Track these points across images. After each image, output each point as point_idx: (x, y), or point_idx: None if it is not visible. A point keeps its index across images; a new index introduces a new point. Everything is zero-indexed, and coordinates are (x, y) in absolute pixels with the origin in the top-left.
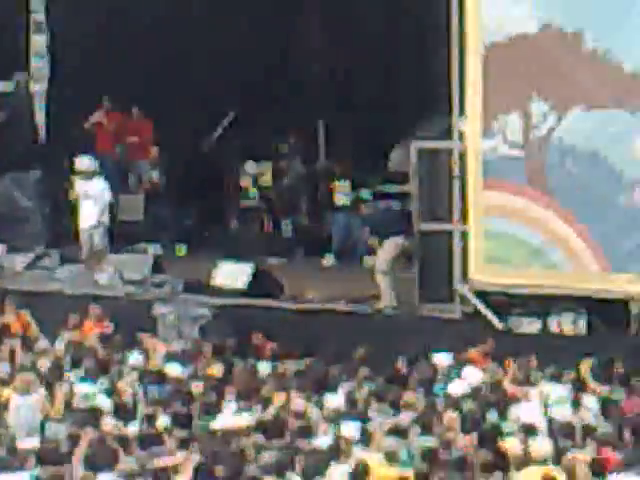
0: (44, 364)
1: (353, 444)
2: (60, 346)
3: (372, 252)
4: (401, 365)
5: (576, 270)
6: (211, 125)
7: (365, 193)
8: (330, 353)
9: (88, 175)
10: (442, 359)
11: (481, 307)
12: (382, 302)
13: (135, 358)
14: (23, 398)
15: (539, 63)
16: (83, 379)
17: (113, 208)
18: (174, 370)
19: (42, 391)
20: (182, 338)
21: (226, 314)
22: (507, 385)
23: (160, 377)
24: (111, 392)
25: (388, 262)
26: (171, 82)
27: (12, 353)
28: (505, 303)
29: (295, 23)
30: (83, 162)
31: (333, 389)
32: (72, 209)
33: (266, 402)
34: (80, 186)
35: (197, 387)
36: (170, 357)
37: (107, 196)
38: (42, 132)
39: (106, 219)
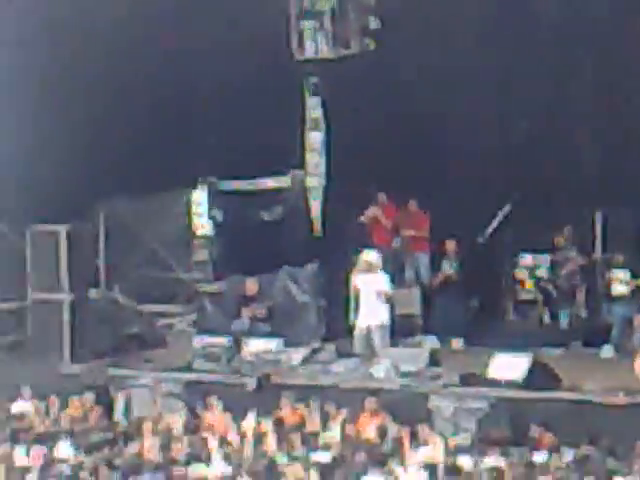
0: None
1: None
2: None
3: None
4: None
5: None
6: (486, 219)
7: None
8: (608, 445)
9: (372, 269)
10: None
11: None
12: None
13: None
14: None
15: None
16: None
17: (391, 301)
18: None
19: None
20: (459, 431)
21: (503, 406)
22: None
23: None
24: None
25: None
26: (446, 175)
27: (290, 446)
28: None
29: (571, 116)
30: (370, 255)
31: None
32: (346, 303)
33: None
34: (361, 279)
35: None
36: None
37: (389, 289)
38: (318, 226)
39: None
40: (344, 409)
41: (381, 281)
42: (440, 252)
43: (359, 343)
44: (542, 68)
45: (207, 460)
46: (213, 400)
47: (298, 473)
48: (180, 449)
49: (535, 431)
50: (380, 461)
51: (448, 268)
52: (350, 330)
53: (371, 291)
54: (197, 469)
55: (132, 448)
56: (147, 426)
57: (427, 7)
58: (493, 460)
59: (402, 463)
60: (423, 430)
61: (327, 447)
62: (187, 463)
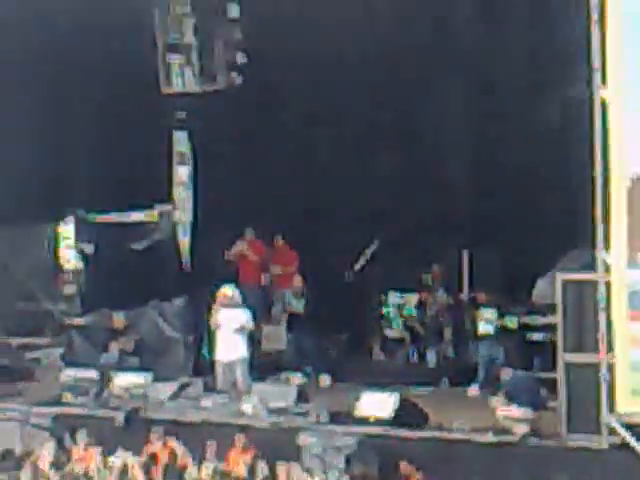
0: None
1: None
2: (207, 475)
3: None
4: None
5: None
6: (354, 256)
7: (510, 321)
8: None
9: (232, 305)
10: None
11: (629, 438)
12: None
13: None
14: None
15: None
16: None
17: (255, 338)
18: None
19: None
20: (327, 468)
21: (371, 444)
22: None
23: None
24: None
25: None
26: (313, 210)
27: None
28: None
29: (438, 155)
30: (228, 290)
31: None
32: (210, 338)
33: None
34: (223, 314)
35: None
36: None
37: (250, 324)
38: (187, 261)
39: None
40: (213, 441)
41: (241, 316)
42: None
43: (221, 378)
44: (412, 102)
45: None
46: (82, 434)
47: None
48: None
49: (404, 469)
50: None
51: (295, 303)
52: (213, 365)
53: (231, 326)
54: None
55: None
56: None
57: (294, 42)
58: None
59: None
60: (292, 468)
61: None
62: None
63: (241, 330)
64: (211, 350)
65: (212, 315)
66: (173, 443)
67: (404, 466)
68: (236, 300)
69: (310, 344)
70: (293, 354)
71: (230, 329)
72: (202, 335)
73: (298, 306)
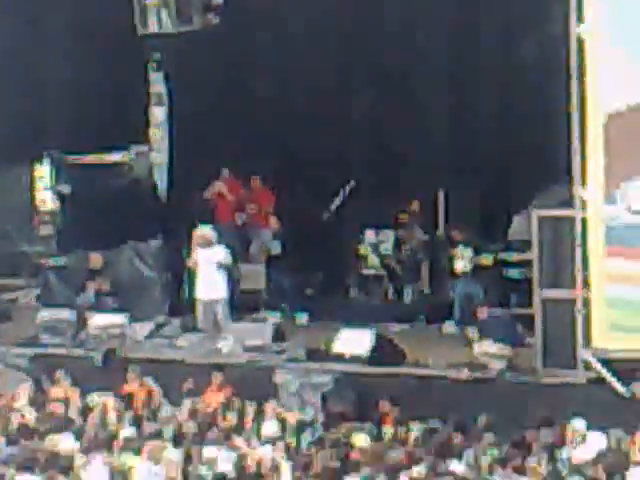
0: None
1: None
2: (183, 414)
3: None
4: (530, 434)
5: None
6: (331, 194)
7: (486, 258)
8: (453, 420)
9: (208, 243)
10: (576, 425)
11: (605, 373)
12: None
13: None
14: (153, 466)
15: None
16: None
17: (234, 277)
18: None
19: (170, 459)
20: (304, 405)
21: (348, 381)
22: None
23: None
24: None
25: None
26: (290, 150)
27: (137, 420)
28: (629, 369)
29: (414, 93)
30: (204, 230)
31: (457, 456)
32: (190, 278)
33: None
34: (200, 254)
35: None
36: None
37: (228, 260)
38: (162, 202)
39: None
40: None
41: (220, 253)
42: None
43: (202, 317)
44: (381, 45)
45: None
46: (60, 374)
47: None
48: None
49: (382, 406)
50: (225, 436)
51: (273, 245)
52: (193, 304)
53: (210, 264)
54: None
55: None
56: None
57: None
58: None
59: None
60: (270, 405)
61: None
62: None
63: (219, 267)
64: (191, 290)
65: (190, 256)
66: (149, 382)
67: (382, 403)
68: (211, 239)
69: (287, 283)
70: (270, 293)
71: (208, 268)
72: (181, 275)
73: (276, 248)
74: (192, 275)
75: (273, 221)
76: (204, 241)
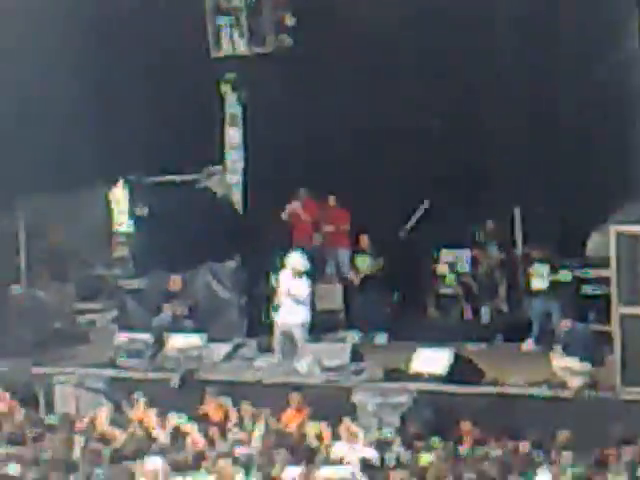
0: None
1: None
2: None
3: None
4: (609, 450)
5: None
6: (407, 214)
7: (564, 276)
8: (533, 437)
9: (299, 274)
10: None
11: None
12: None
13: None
14: None
15: None
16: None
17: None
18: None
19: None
20: (382, 425)
21: (426, 401)
22: None
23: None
24: None
25: None
26: (365, 170)
27: (211, 441)
28: None
29: (490, 112)
30: (298, 260)
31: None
32: (268, 300)
33: None
34: (286, 281)
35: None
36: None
37: (308, 297)
38: (240, 222)
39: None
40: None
41: (300, 287)
42: (356, 248)
43: (279, 340)
44: (459, 63)
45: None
46: (138, 396)
47: (225, 468)
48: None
49: (461, 425)
50: (305, 456)
51: (361, 264)
52: (271, 326)
53: (292, 295)
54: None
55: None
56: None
57: (342, 3)
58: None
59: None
60: (346, 425)
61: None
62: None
63: (299, 299)
64: (269, 312)
65: (279, 279)
66: (227, 403)
67: (463, 424)
68: (302, 271)
69: (365, 302)
70: (350, 312)
71: (289, 296)
72: (260, 297)
73: (365, 266)
74: (270, 297)
75: (364, 239)
76: (296, 273)
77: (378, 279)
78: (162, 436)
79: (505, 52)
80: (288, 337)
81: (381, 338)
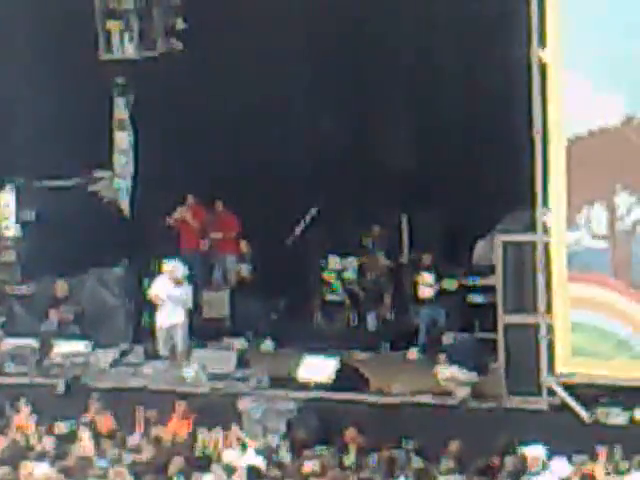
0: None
1: None
2: (147, 442)
3: None
4: (493, 459)
5: None
6: (294, 220)
7: (450, 284)
8: (416, 446)
9: (177, 281)
10: (533, 452)
11: (568, 399)
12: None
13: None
14: None
15: (623, 155)
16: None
17: (197, 304)
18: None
19: None
20: (268, 433)
21: (312, 408)
22: (599, 476)
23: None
24: None
25: None
26: (253, 176)
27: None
28: (592, 395)
29: (378, 117)
30: (175, 267)
31: None
32: (152, 306)
33: None
34: (165, 288)
35: None
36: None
37: (190, 303)
38: (127, 228)
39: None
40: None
41: (186, 296)
42: (239, 254)
43: (162, 343)
44: (349, 70)
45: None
46: (22, 403)
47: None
48: None
49: (349, 434)
50: (196, 465)
51: (243, 270)
52: (152, 332)
53: (173, 299)
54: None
55: None
56: None
57: (233, 6)
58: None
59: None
60: (234, 432)
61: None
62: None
63: (181, 304)
64: (152, 316)
65: (153, 288)
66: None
67: (349, 432)
68: (181, 279)
69: (251, 309)
70: (235, 319)
71: (172, 300)
72: (142, 302)
73: (246, 271)
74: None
75: (243, 245)
76: (174, 279)
77: (264, 285)
78: (48, 443)
79: (397, 58)
80: (170, 338)
81: (268, 345)
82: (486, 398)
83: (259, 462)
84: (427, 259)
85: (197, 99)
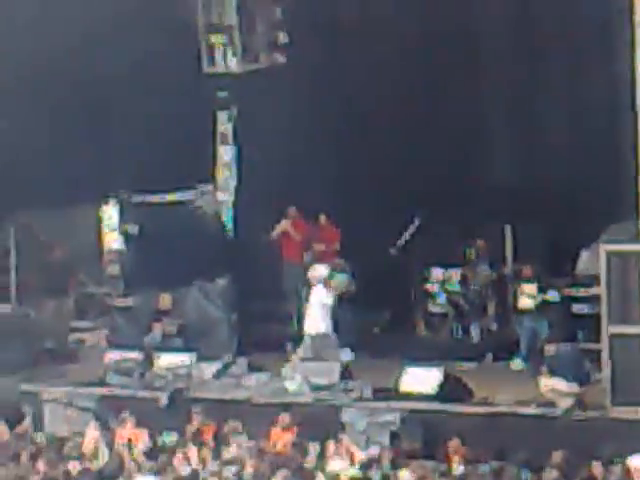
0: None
1: None
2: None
3: None
4: (596, 469)
5: None
6: (398, 231)
7: (552, 296)
8: (522, 457)
9: (322, 281)
10: (637, 462)
11: None
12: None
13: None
14: None
15: None
16: None
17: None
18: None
19: None
20: (371, 444)
21: (415, 419)
22: None
23: None
24: None
25: None
26: (356, 189)
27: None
28: None
29: (483, 132)
30: (320, 270)
31: None
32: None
33: None
34: (316, 292)
35: None
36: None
37: (328, 302)
38: (230, 241)
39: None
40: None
41: (320, 292)
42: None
43: (308, 348)
44: (450, 81)
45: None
46: (126, 415)
47: None
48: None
49: (452, 444)
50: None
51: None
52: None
53: (316, 302)
54: None
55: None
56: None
57: (335, 21)
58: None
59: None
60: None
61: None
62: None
63: (322, 306)
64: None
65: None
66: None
67: (453, 442)
68: (318, 277)
69: (355, 321)
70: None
71: (314, 305)
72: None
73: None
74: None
75: (338, 261)
76: (323, 280)
77: (368, 297)
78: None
79: (500, 73)
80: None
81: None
82: (590, 409)
83: (362, 474)
84: (530, 270)
85: (299, 112)
